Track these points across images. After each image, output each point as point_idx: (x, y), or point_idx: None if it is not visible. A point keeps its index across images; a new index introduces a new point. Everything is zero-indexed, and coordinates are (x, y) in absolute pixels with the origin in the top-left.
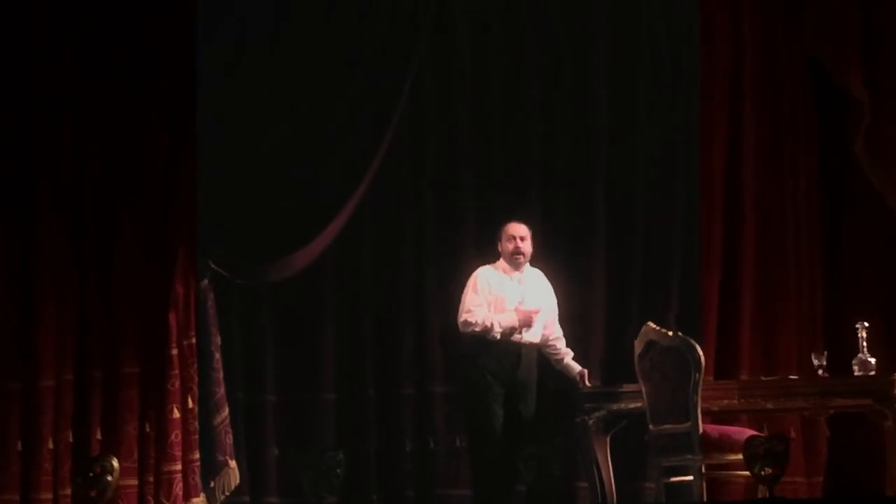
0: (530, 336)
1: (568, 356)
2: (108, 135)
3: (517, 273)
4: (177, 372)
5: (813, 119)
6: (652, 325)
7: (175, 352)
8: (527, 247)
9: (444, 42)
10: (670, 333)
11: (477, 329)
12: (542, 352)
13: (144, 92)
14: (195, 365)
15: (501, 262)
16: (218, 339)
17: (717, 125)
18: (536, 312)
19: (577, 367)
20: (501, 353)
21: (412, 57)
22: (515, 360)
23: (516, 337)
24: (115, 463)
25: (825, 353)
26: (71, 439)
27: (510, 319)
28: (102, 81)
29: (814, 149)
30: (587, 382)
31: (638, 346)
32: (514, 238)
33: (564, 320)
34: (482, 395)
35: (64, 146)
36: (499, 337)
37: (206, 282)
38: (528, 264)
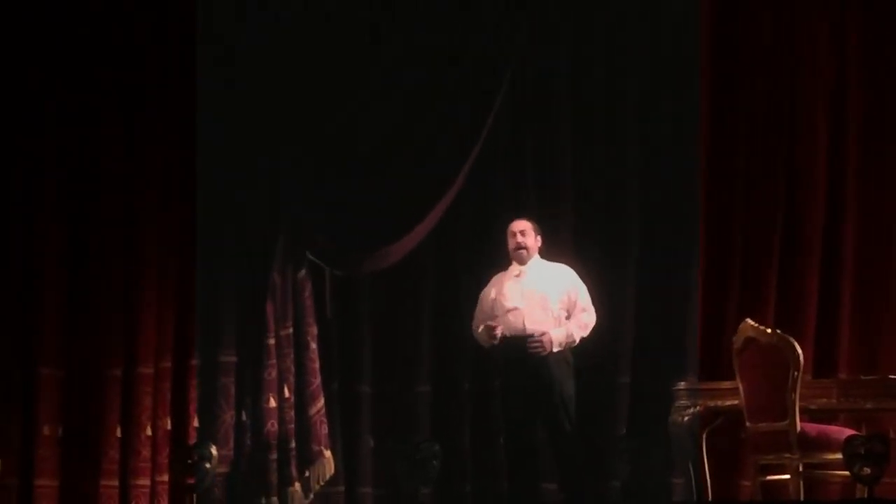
0: (535, 325)
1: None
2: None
3: (519, 268)
4: (273, 362)
5: None
6: (750, 321)
7: (272, 341)
8: (528, 240)
9: (543, 37)
10: (769, 331)
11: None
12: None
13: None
14: (292, 355)
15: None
16: (314, 330)
17: (818, 122)
18: (496, 327)
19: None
20: (513, 350)
21: (512, 52)
22: (524, 354)
23: (517, 330)
24: (214, 450)
25: None
26: (169, 427)
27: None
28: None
29: None
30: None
31: (736, 342)
32: (515, 234)
33: (661, 317)
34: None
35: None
36: (481, 342)
37: (303, 272)
38: (537, 256)
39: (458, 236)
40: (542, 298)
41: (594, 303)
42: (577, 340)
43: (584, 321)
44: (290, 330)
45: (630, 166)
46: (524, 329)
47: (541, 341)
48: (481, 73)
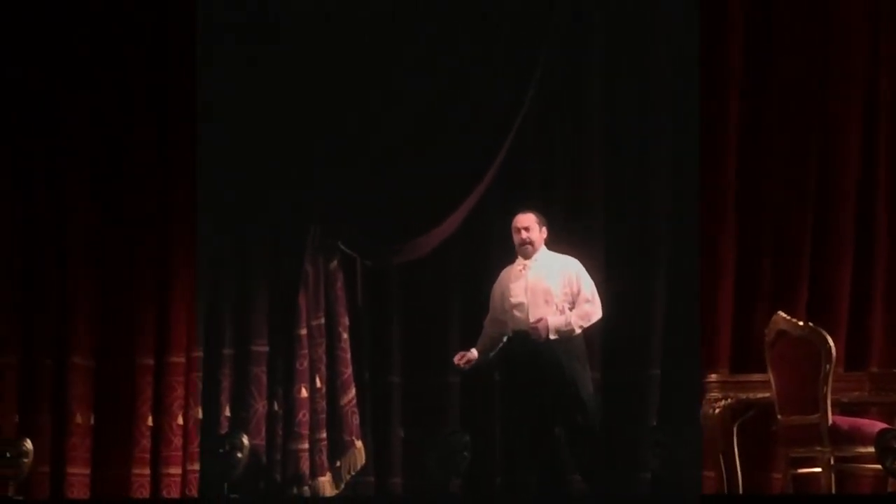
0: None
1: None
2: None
3: (524, 261)
4: (305, 352)
5: None
6: (782, 314)
7: (304, 332)
8: (532, 235)
9: (575, 29)
10: (801, 323)
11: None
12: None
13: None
14: (323, 345)
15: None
16: (346, 320)
17: (851, 114)
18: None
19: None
20: (520, 345)
21: (543, 43)
22: (532, 348)
23: (523, 324)
24: (245, 440)
25: None
26: (200, 416)
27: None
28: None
29: None
30: (541, 333)
31: (768, 335)
32: (519, 230)
33: (692, 309)
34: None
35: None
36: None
37: (335, 263)
38: (543, 248)
39: (487, 229)
40: (546, 291)
41: (624, 295)
42: (577, 330)
43: (586, 311)
44: (322, 320)
45: (660, 160)
46: (528, 323)
47: (536, 327)
48: (512, 67)
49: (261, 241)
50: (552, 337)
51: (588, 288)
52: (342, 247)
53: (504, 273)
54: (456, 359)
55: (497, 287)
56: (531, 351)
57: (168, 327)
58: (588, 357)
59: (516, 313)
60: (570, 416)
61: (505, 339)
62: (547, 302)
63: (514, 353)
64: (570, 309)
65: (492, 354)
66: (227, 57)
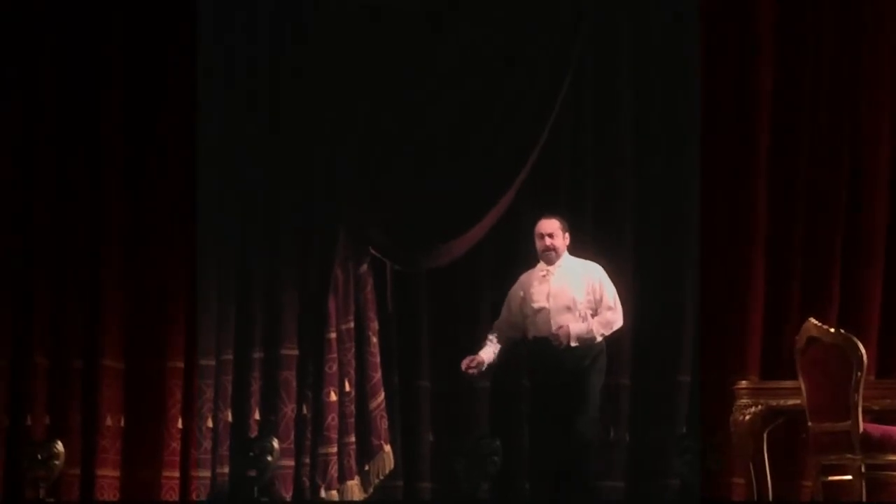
0: (558, 323)
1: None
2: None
3: (547, 268)
4: (334, 356)
5: None
6: (814, 321)
7: (333, 335)
8: (556, 241)
9: (605, 36)
10: (832, 330)
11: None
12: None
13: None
14: (353, 349)
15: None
16: (375, 324)
17: (882, 119)
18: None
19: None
20: (543, 351)
21: (572, 51)
22: (552, 355)
23: (545, 331)
24: (276, 444)
25: None
26: (230, 419)
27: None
28: None
29: None
30: (562, 340)
31: (799, 341)
32: (543, 236)
33: (722, 316)
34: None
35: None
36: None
37: (364, 267)
38: (566, 255)
39: (517, 233)
40: (569, 298)
41: (653, 301)
42: (599, 338)
43: (608, 318)
44: (352, 324)
45: (690, 167)
46: (551, 330)
47: (557, 334)
48: (543, 72)
49: (291, 245)
50: (573, 344)
51: (610, 295)
52: (372, 251)
53: (524, 277)
54: (464, 364)
55: (516, 291)
56: (551, 357)
57: (197, 330)
58: (607, 365)
59: (538, 319)
60: (580, 422)
61: (512, 344)
62: (570, 309)
63: (534, 358)
64: (593, 316)
65: (495, 359)
66: (258, 54)
